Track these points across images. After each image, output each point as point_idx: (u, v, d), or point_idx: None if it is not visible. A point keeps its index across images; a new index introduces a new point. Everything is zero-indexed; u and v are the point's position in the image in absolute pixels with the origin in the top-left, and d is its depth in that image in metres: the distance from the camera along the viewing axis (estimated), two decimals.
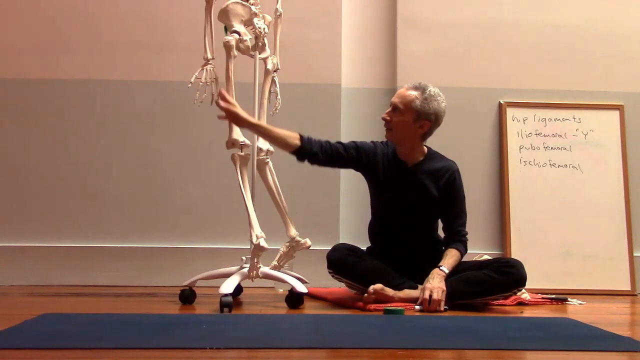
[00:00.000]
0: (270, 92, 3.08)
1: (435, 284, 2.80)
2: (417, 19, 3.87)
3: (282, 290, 3.28)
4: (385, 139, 3.08)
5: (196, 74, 3.05)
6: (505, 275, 2.85)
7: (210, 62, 3.07)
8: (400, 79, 3.82)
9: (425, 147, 3.07)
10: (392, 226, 3.04)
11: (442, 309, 2.77)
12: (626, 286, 3.70)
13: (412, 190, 3.00)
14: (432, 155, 3.08)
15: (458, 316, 2.70)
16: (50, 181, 3.70)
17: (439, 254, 3.01)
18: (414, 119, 2.94)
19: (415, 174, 3.01)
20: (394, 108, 2.97)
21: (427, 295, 2.76)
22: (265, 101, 3.05)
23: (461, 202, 3.06)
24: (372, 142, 3.10)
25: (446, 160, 3.08)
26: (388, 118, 2.98)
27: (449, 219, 3.05)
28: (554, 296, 3.31)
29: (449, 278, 2.89)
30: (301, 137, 2.88)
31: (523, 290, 3.05)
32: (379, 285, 2.83)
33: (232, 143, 2.89)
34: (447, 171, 3.02)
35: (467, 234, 3.05)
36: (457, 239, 3.01)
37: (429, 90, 2.94)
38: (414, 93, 2.94)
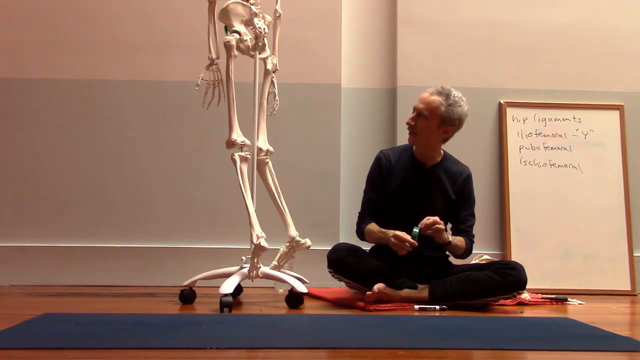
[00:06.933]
0: (268, 92, 3.08)
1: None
2: (417, 19, 3.87)
3: (282, 290, 3.28)
4: (384, 148, 3.25)
5: (202, 75, 3.05)
6: (505, 277, 2.86)
7: (215, 63, 3.07)
8: (400, 79, 3.82)
9: (442, 149, 3.13)
10: (405, 225, 2.95)
11: (442, 236, 2.87)
12: (626, 286, 3.70)
13: (432, 188, 3.07)
14: (448, 157, 3.15)
15: (458, 316, 2.70)
16: (50, 181, 3.70)
17: (443, 254, 3.11)
18: (439, 124, 2.99)
19: (435, 173, 3.08)
20: (419, 114, 2.99)
21: (429, 219, 2.84)
22: (265, 101, 3.05)
23: (472, 206, 3.14)
24: (378, 157, 3.15)
25: (461, 165, 3.17)
26: (413, 123, 3.01)
27: (459, 221, 3.11)
28: (554, 296, 3.31)
29: (448, 277, 2.92)
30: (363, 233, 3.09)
31: (523, 291, 3.06)
32: (381, 285, 2.84)
33: (232, 143, 2.88)
34: (462, 175, 3.11)
35: (474, 236, 3.11)
36: (465, 236, 3.07)
37: (453, 96, 2.97)
38: (438, 98, 2.96)
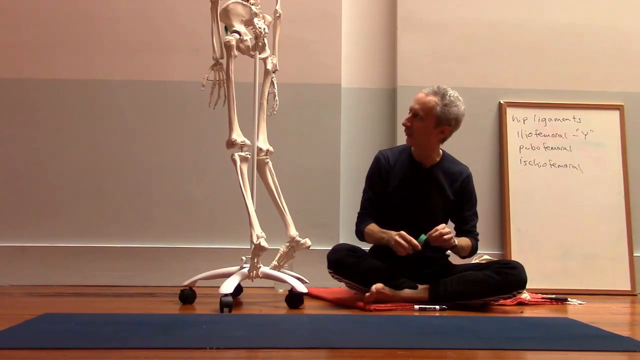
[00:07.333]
0: (268, 92, 3.08)
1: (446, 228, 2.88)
2: (417, 19, 3.87)
3: (282, 290, 3.28)
4: (384, 148, 3.26)
5: (207, 75, 3.05)
6: (505, 276, 2.86)
7: (219, 62, 3.06)
8: (400, 79, 3.82)
9: (440, 149, 3.12)
10: (404, 225, 2.95)
11: (449, 244, 2.86)
12: (626, 286, 3.70)
13: (430, 189, 3.05)
14: (447, 157, 3.14)
15: (458, 316, 2.70)
16: (50, 181, 3.70)
17: (443, 255, 3.11)
18: (435, 124, 2.97)
19: (433, 174, 3.07)
20: (414, 114, 2.99)
21: (437, 231, 2.82)
22: (265, 101, 3.05)
23: (474, 205, 3.13)
24: (377, 157, 3.14)
25: (460, 165, 3.15)
26: (409, 124, 3.01)
27: (463, 221, 3.10)
28: (554, 296, 3.31)
29: (448, 277, 2.92)
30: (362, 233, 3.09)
31: (523, 291, 3.06)
32: (379, 285, 2.84)
33: (232, 143, 2.88)
34: (462, 175, 3.10)
35: (478, 234, 3.11)
36: (470, 236, 3.07)
37: (449, 96, 2.96)
38: (433, 99, 2.95)
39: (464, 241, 3.00)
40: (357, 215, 3.15)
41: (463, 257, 3.07)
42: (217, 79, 3.09)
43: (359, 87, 3.89)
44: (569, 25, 3.91)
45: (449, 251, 3.11)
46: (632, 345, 2.10)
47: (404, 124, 3.04)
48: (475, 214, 3.14)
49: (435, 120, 2.96)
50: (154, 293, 3.31)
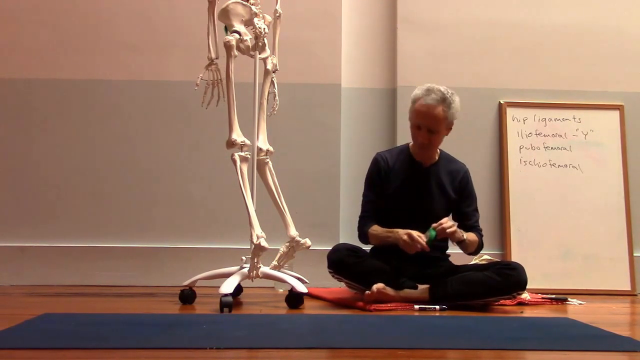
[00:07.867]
0: (268, 92, 3.08)
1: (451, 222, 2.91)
2: (417, 19, 3.87)
3: (282, 290, 3.28)
4: (384, 148, 3.32)
5: (201, 75, 3.05)
6: (506, 277, 2.86)
7: (214, 62, 3.07)
8: (400, 79, 3.82)
9: (438, 148, 3.14)
10: (406, 225, 2.95)
11: (455, 237, 2.92)
12: (626, 286, 3.70)
13: (432, 188, 3.07)
14: (445, 156, 3.17)
15: (458, 316, 2.70)
16: (50, 181, 3.70)
17: (444, 255, 3.13)
18: (446, 129, 3.03)
19: (433, 172, 3.09)
20: (429, 130, 2.98)
21: (440, 225, 2.85)
22: (265, 101, 3.05)
23: (474, 201, 3.15)
24: (375, 159, 3.14)
25: (458, 162, 3.18)
26: (427, 142, 3.01)
27: (465, 218, 3.11)
28: (554, 296, 3.31)
29: (449, 277, 2.92)
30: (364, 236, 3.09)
31: (523, 292, 3.06)
32: (380, 285, 2.84)
33: (232, 143, 2.88)
34: (460, 173, 3.13)
35: (482, 230, 3.13)
36: (475, 232, 3.08)
37: (449, 97, 2.96)
38: (440, 108, 2.95)
39: (471, 236, 3.01)
40: (358, 218, 3.14)
41: (470, 254, 3.08)
42: (212, 78, 3.08)
43: (359, 87, 3.89)
44: (569, 25, 3.91)
45: (449, 251, 3.12)
46: (632, 345, 2.10)
47: (423, 142, 3.00)
48: (476, 210, 3.15)
49: (445, 126, 3.01)
50: (154, 293, 3.31)
